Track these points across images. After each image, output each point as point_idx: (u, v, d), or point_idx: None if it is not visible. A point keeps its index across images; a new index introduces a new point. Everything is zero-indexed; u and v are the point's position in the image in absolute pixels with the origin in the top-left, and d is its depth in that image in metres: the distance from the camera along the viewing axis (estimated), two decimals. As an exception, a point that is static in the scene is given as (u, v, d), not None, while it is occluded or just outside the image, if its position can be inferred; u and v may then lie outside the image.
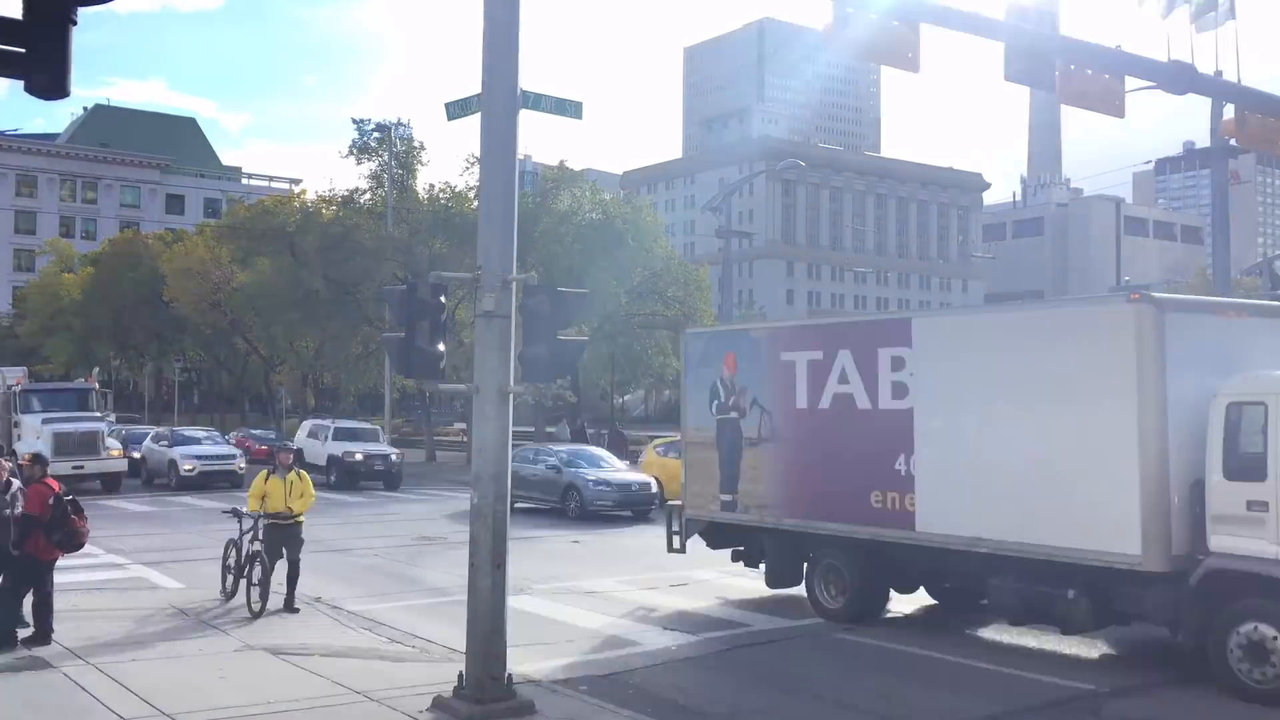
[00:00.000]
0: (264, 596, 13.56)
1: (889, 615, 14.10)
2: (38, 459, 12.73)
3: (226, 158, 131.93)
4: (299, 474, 14.60)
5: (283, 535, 14.05)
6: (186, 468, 33.17)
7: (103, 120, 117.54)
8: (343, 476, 33.74)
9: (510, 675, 9.75)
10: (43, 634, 11.96)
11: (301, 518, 14.45)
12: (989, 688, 10.81)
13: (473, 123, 10.41)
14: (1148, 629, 11.58)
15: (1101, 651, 12.37)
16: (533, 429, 46.16)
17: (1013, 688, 10.76)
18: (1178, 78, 17.91)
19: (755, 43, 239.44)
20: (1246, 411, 10.32)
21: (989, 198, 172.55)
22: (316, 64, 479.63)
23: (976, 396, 12.32)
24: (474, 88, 10.30)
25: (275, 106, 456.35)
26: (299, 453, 25.95)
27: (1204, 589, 10.35)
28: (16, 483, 12.27)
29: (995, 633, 13.24)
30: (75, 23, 5.42)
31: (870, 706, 10.23)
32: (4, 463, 12.41)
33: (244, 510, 14.24)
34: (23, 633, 11.91)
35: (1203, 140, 25.82)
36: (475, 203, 34.90)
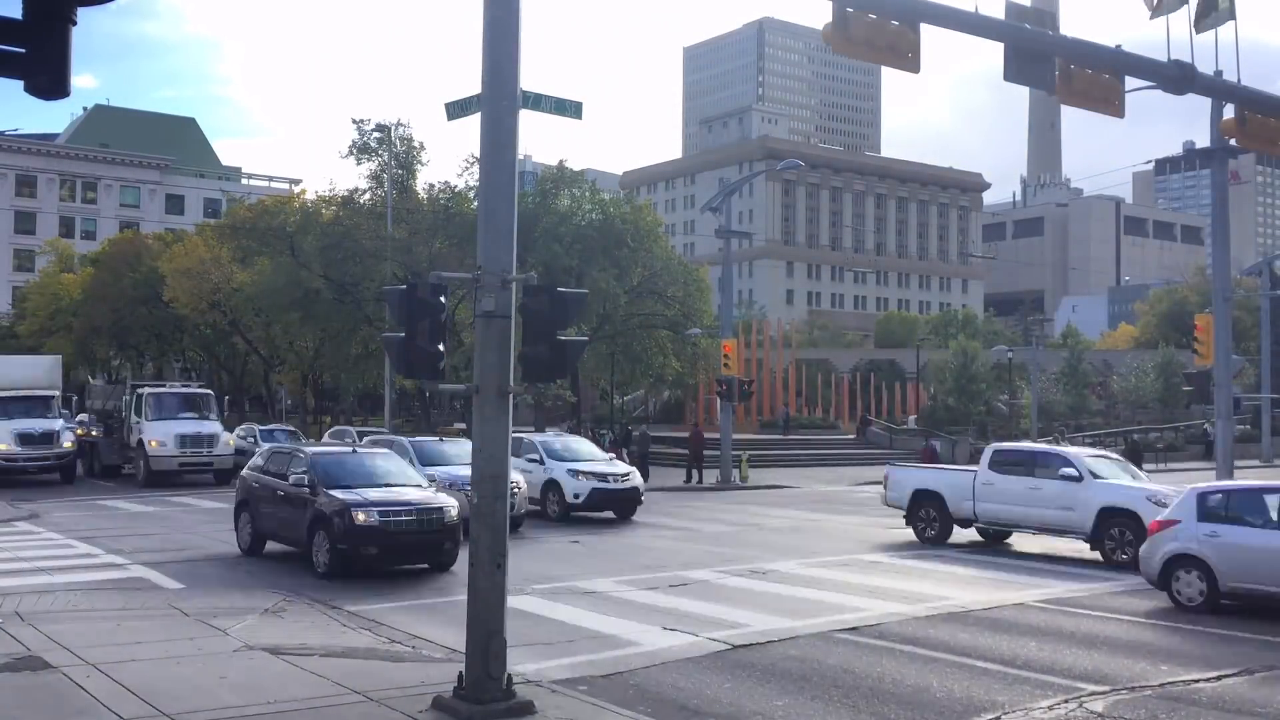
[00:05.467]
0: None
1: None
2: None
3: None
4: None
5: None
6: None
7: (103, 120, 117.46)
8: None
9: (510, 675, 9.75)
10: None
11: None
12: (990, 685, 10.80)
13: (473, 123, 10.40)
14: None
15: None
16: (532, 429, 46.14)
17: (1014, 685, 10.76)
18: (1178, 78, 17.93)
19: (755, 43, 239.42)
20: None
21: (989, 198, 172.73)
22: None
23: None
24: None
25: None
26: None
27: None
28: None
29: (1001, 634, 13.24)
30: (75, 23, 5.42)
31: (872, 706, 10.22)
32: None
33: None
34: None
35: (1203, 140, 25.78)
36: (475, 203, 34.91)
